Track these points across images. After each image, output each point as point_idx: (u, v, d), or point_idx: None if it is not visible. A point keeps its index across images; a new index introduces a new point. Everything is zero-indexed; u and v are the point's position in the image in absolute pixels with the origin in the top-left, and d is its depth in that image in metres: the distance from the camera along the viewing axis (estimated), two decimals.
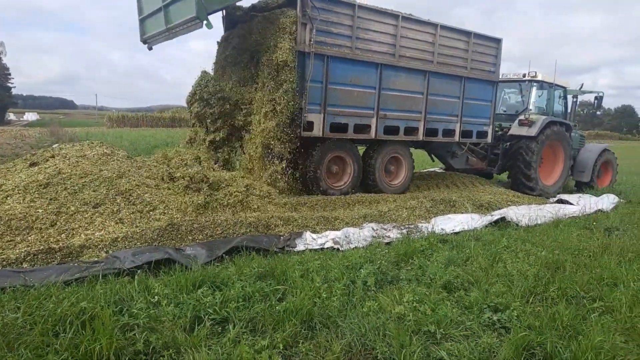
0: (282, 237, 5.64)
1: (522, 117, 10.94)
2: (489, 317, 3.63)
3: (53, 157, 6.49)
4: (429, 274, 4.53)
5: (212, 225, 5.52)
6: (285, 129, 7.24)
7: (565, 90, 12.44)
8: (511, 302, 3.83)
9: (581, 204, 9.41)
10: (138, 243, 4.95)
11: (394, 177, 9.28)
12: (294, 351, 3.10)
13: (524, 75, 11.59)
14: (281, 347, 3.07)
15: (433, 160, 12.08)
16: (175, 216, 5.54)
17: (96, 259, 4.48)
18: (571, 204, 9.63)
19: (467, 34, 9.54)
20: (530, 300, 4.01)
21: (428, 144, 10.16)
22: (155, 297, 3.58)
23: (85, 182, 5.75)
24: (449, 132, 9.73)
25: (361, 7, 7.84)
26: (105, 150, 6.78)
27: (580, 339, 3.22)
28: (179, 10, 7.16)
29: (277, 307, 3.54)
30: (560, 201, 10.03)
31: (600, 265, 5.02)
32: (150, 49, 8.59)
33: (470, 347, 3.14)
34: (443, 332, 3.37)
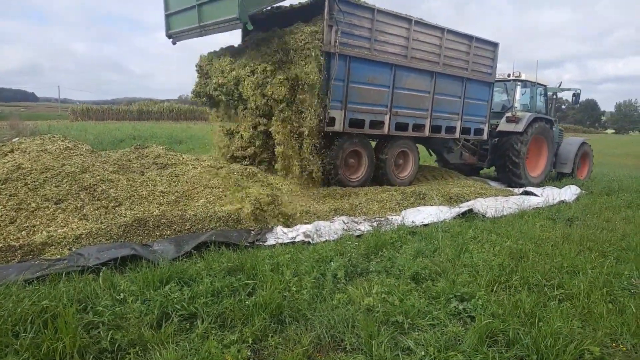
0: (252, 232, 5.61)
1: (509, 114, 11.75)
2: (455, 307, 3.72)
3: (12, 151, 6.25)
4: (398, 266, 4.60)
5: (181, 221, 5.43)
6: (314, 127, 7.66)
7: (545, 88, 13.21)
8: (476, 292, 3.93)
9: (545, 195, 9.72)
10: (103, 239, 4.83)
11: (402, 170, 9.83)
12: (263, 345, 3.10)
13: (509, 75, 12.38)
14: (250, 342, 3.07)
15: (430, 155, 12.59)
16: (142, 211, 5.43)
17: (59, 256, 4.35)
18: (536, 195, 9.94)
19: (470, 38, 10.15)
20: (495, 289, 4.13)
21: (428, 140, 10.71)
22: (121, 294, 3.50)
23: (46, 177, 5.56)
24: (450, 129, 10.36)
25: (380, 11, 8.31)
26: (67, 145, 6.57)
27: (541, 325, 3.34)
28: (217, 10, 7.46)
29: (246, 302, 3.53)
30: (526, 193, 10.35)
31: (561, 254, 5.21)
32: (174, 43, 8.88)
33: (437, 336, 3.21)
34: (411, 322, 3.44)
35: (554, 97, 14.04)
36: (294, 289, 3.86)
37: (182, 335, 3.11)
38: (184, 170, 6.96)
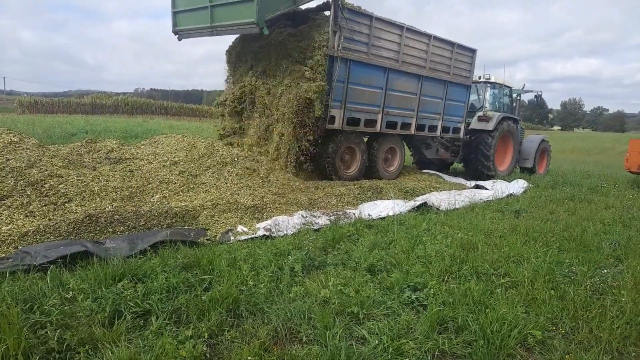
0: (208, 231, 5.52)
1: (480, 113, 12.83)
2: (408, 296, 3.84)
3: None
4: (354, 258, 4.69)
5: (135, 217, 5.31)
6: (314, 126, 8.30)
7: (511, 89, 14.49)
8: (429, 281, 4.07)
9: (495, 189, 10.15)
10: (52, 237, 4.66)
11: (390, 165, 10.59)
12: (220, 339, 3.09)
13: (480, 78, 13.53)
14: (206, 336, 3.06)
15: (410, 150, 13.17)
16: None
17: (2, 255, 4.15)
18: (486, 189, 10.36)
19: (452, 44, 11.01)
20: (446, 278, 4.29)
21: (410, 137, 11.41)
22: (70, 292, 3.40)
23: None
24: (433, 128, 11.26)
25: (377, 18, 8.99)
26: (12, 138, 6.25)
27: (488, 312, 3.51)
28: (232, 13, 7.81)
29: (202, 297, 3.50)
30: (477, 186, 10.76)
31: (509, 245, 5.47)
32: (179, 40, 9.14)
33: (390, 325, 3.31)
34: (366, 312, 3.53)
35: (518, 98, 15.14)
36: (251, 283, 3.87)
37: (136, 332, 3.06)
38: (138, 165, 6.79)
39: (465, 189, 10.36)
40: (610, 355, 3.19)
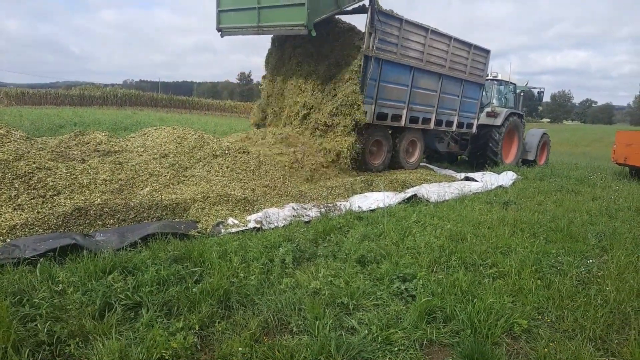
0: (198, 223, 5.52)
1: (488, 109, 13.65)
2: (397, 287, 3.89)
3: None
4: (344, 250, 4.73)
5: (124, 209, 5.29)
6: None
7: (515, 86, 15.26)
8: (418, 272, 4.12)
9: (484, 180, 10.24)
10: (40, 230, 4.64)
11: (411, 156, 11.31)
12: (210, 331, 3.12)
13: (487, 76, 13.74)
14: (197, 328, 3.08)
15: None
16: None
17: None
18: (476, 181, 10.45)
19: (469, 45, 11.77)
20: (435, 269, 4.36)
21: (427, 131, 11.92)
22: (60, 285, 3.39)
23: None
24: (449, 123, 11.99)
25: (406, 21, 9.69)
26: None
27: (475, 302, 3.57)
28: (281, 15, 8.42)
29: (193, 289, 3.52)
30: (467, 178, 10.85)
31: (497, 236, 5.55)
32: (222, 36, 9.89)
33: (379, 315, 3.36)
34: (355, 303, 3.57)
35: (522, 94, 15.84)
36: (242, 275, 3.89)
37: (126, 324, 3.07)
38: (128, 157, 6.73)
39: (455, 181, 10.44)
40: (594, 342, 3.26)
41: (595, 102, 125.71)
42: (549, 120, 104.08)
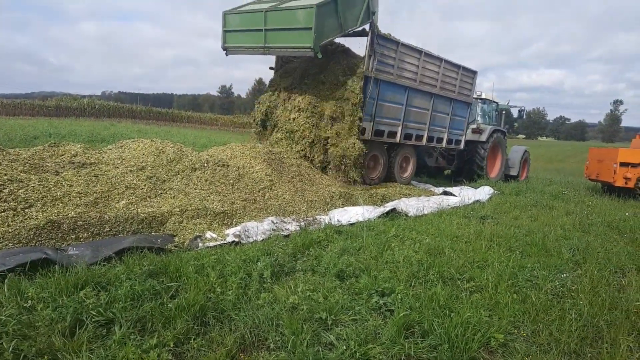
0: (175, 237, 5.43)
1: (473, 126, 14.22)
2: (376, 302, 3.88)
3: None
4: (323, 264, 4.70)
5: (99, 223, 5.17)
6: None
7: (497, 104, 16.08)
8: (396, 287, 4.12)
9: (462, 195, 10.39)
10: (11, 244, 4.48)
11: (404, 172, 11.75)
12: (185, 348, 3.05)
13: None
14: (172, 345, 3.00)
15: None
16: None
17: None
18: (454, 195, 10.59)
19: (458, 66, 12.47)
20: (413, 283, 4.36)
21: (418, 147, 12.45)
22: (29, 301, 3.28)
23: None
24: (440, 140, 12.60)
25: (402, 44, 10.30)
26: None
27: (453, 316, 3.59)
28: (288, 37, 8.91)
29: (168, 305, 3.44)
30: (445, 193, 10.99)
31: (474, 250, 5.61)
32: (227, 55, 10.42)
33: (358, 330, 3.34)
34: (334, 318, 3.54)
35: (503, 112, 16.63)
36: (219, 290, 3.83)
37: (98, 342, 2.97)
38: (104, 169, 6.61)
39: (433, 195, 10.56)
40: (569, 356, 3.31)
41: (569, 120, 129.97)
42: (524, 136, 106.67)
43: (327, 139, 9.51)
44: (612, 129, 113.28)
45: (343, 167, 9.35)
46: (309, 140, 9.63)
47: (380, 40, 9.66)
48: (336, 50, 10.66)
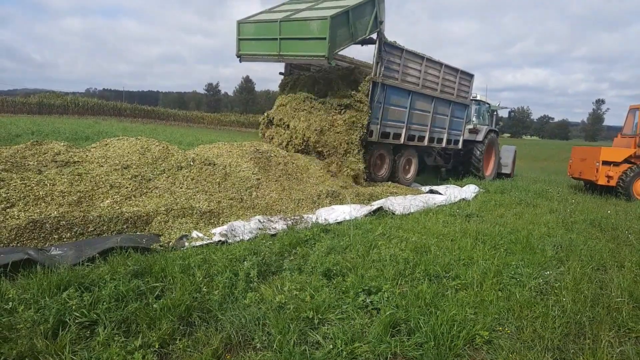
0: (161, 237, 5.38)
1: (470, 126, 14.87)
2: (362, 300, 3.89)
3: None
4: (310, 263, 4.71)
5: (83, 223, 5.10)
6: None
7: (490, 106, 16.64)
8: (383, 285, 4.14)
9: (448, 193, 10.47)
10: None
11: (407, 172, 12.28)
12: (171, 349, 3.02)
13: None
14: (157, 346, 2.98)
15: None
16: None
17: None
18: (440, 194, 10.67)
19: (456, 70, 13.07)
20: (400, 281, 4.39)
21: (418, 147, 12.79)
22: (10, 303, 3.21)
23: None
24: (440, 140, 13.17)
25: (407, 50, 10.90)
26: None
27: (438, 314, 3.62)
28: (302, 46, 9.43)
29: (153, 305, 3.41)
30: (431, 191, 11.07)
31: (460, 247, 5.66)
32: (241, 62, 10.97)
33: (345, 329, 3.35)
34: (320, 317, 3.55)
35: (495, 113, 17.16)
36: (205, 289, 3.81)
37: (81, 343, 2.94)
38: (87, 168, 6.51)
39: (420, 193, 10.62)
40: (552, 352, 3.35)
41: (552, 119, 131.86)
42: (509, 135, 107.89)
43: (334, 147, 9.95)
44: (594, 128, 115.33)
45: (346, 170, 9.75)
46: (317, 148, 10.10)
47: (386, 48, 10.24)
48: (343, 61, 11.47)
